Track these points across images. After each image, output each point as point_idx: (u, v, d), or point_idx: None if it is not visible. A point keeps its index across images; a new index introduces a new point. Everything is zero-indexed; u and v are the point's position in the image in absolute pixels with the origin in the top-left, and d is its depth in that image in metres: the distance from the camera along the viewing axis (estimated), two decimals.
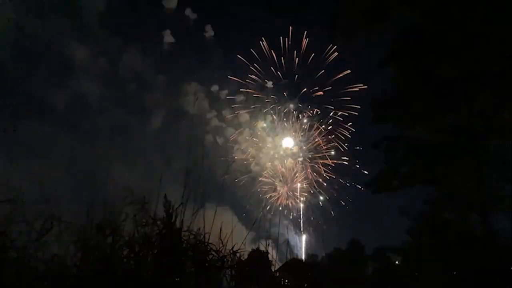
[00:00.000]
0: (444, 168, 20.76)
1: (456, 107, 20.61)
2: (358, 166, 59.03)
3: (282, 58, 62.14)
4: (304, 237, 58.79)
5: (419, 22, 19.54)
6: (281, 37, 60.89)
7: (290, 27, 57.99)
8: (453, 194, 20.48)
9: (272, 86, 62.13)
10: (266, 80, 62.04)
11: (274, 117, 63.55)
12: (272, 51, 63.03)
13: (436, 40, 19.94)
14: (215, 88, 62.00)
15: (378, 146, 21.88)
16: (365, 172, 56.68)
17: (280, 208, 56.84)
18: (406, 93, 21.19)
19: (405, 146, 21.35)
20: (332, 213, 58.59)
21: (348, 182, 58.93)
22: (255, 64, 62.91)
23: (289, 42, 61.33)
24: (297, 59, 62.73)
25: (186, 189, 3.79)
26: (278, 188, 60.93)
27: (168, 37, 60.15)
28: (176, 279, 3.38)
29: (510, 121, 19.38)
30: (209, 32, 61.53)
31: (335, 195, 59.42)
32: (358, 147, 59.30)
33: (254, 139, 63.06)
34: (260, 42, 62.46)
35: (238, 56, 61.94)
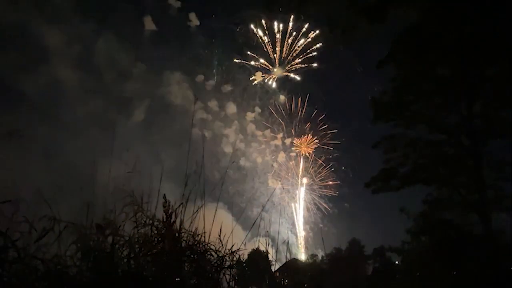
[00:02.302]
0: (444, 168, 20.76)
1: (456, 107, 20.62)
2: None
3: (271, 48, 60.49)
4: (303, 237, 58.60)
5: (419, 21, 19.54)
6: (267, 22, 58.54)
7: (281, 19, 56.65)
8: (453, 194, 20.48)
9: (261, 77, 60.24)
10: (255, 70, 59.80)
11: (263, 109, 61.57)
12: (261, 41, 61.32)
13: (436, 40, 19.94)
14: (200, 78, 59.59)
15: (378, 146, 21.89)
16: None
17: (279, 208, 55.95)
18: (406, 92, 21.20)
19: (405, 146, 21.36)
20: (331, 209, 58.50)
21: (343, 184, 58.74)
22: (243, 55, 60.68)
23: (280, 32, 59.90)
24: (287, 49, 61.33)
25: (186, 188, 3.79)
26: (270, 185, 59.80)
27: (149, 24, 57.68)
28: (176, 279, 3.39)
29: (510, 121, 19.39)
30: (194, 21, 59.06)
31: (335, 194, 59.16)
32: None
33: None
34: (250, 32, 60.60)
35: (225, 46, 59.82)
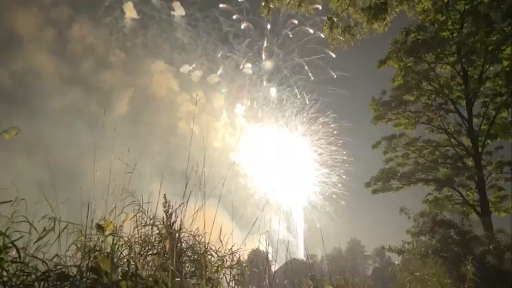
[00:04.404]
0: (444, 168, 20.77)
1: (456, 107, 20.63)
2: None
3: (261, 39, 58.07)
4: (303, 237, 58.10)
5: (420, 21, 19.54)
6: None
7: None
8: (453, 194, 20.49)
9: (250, 69, 57.91)
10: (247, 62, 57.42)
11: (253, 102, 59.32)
12: (250, 31, 59.08)
13: (437, 40, 19.94)
14: (185, 68, 57.13)
15: (378, 146, 21.89)
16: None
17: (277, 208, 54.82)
18: (406, 92, 21.22)
19: (405, 146, 21.37)
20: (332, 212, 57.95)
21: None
22: (231, 45, 58.39)
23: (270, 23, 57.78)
24: (278, 39, 59.16)
25: (187, 188, 3.78)
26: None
27: (131, 12, 55.32)
28: (176, 279, 3.38)
29: (510, 121, 19.40)
30: (178, 10, 56.92)
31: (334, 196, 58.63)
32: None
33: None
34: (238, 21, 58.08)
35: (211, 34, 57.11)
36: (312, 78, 57.15)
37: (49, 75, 46.96)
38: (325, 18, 11.80)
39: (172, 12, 55.19)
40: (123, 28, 53.10)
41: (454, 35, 20.06)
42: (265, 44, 56.55)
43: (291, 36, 55.56)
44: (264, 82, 58.46)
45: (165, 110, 52.54)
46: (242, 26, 53.56)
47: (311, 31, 54.85)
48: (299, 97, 57.06)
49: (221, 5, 53.18)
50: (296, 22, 55.01)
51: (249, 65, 57.47)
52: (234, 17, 53.88)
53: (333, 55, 55.24)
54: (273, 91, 58.58)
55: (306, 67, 56.77)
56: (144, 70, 54.39)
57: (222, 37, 56.49)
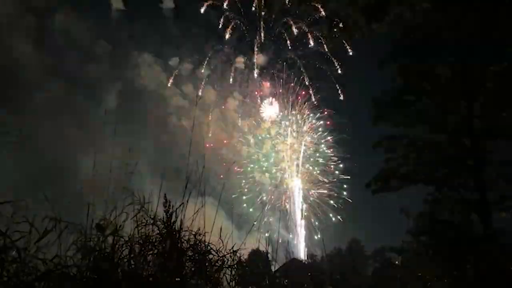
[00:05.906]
0: (444, 168, 20.76)
1: (456, 107, 20.61)
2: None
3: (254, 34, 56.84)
4: (303, 237, 58.04)
5: (420, 21, 19.51)
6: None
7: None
8: (453, 194, 20.47)
9: (243, 64, 56.74)
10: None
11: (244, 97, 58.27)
12: (242, 25, 57.83)
13: (437, 39, 19.94)
14: (175, 61, 55.81)
15: (378, 146, 21.87)
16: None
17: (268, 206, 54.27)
18: (406, 92, 21.20)
19: (405, 146, 21.35)
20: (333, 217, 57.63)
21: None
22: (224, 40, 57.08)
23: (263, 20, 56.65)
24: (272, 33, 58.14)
25: (187, 189, 3.78)
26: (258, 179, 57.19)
27: (117, 2, 53.66)
28: (176, 279, 3.38)
29: (510, 121, 19.39)
30: (167, 3, 55.54)
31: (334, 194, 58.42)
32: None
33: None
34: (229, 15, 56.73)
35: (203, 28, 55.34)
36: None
37: (31, 66, 44.49)
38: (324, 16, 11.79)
39: (160, 5, 54.21)
40: (108, 19, 51.68)
41: (454, 34, 20.03)
42: (257, 40, 55.70)
43: (285, 35, 54.88)
44: (256, 76, 57.49)
45: (154, 104, 51.37)
46: (227, 35, 52.92)
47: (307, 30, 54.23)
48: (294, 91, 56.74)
49: (205, 4, 52.16)
50: (292, 22, 54.36)
51: (241, 59, 56.64)
52: (221, 18, 53.06)
53: (338, 67, 54.45)
54: (266, 85, 57.60)
55: (302, 68, 56.35)
56: (131, 63, 53.04)
57: (212, 30, 55.45)
